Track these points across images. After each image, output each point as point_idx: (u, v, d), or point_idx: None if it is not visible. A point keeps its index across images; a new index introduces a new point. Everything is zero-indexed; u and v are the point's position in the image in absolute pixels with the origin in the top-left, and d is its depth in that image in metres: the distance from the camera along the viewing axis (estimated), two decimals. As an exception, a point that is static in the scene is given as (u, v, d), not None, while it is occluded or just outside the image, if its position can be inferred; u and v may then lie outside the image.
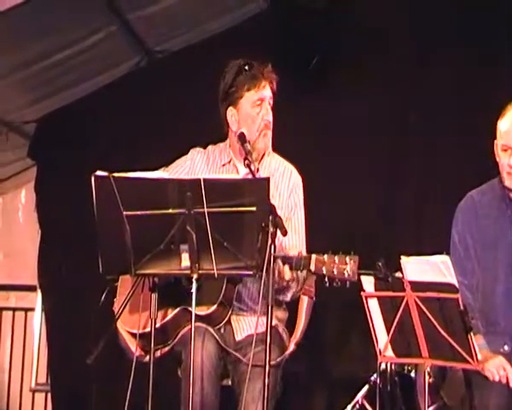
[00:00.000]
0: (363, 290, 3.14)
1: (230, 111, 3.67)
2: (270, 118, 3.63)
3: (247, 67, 3.62)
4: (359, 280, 3.18)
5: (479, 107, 5.08)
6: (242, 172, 3.63)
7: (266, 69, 3.64)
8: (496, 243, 3.63)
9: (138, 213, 3.08)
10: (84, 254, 4.86)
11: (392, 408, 4.37)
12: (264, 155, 3.69)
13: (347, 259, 3.25)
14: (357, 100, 5.55)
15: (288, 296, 3.55)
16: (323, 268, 3.27)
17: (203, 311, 3.34)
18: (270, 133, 3.64)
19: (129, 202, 3.07)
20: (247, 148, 3.46)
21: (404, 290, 3.05)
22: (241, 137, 3.52)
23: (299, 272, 3.41)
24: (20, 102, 5.85)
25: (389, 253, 3.10)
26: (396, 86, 5.56)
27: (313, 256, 3.31)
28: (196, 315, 3.14)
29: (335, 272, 3.25)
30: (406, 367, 4.35)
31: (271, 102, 3.65)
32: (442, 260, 3.00)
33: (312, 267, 3.30)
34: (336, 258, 3.26)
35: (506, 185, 3.61)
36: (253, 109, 3.62)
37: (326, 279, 3.27)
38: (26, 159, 6.29)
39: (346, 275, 3.23)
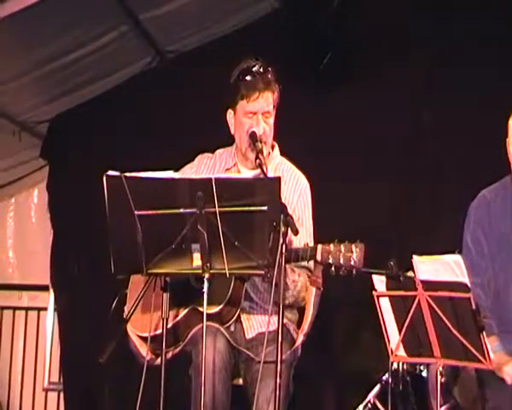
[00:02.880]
0: (375, 290, 3.14)
1: (229, 113, 3.66)
2: (262, 131, 3.53)
3: (246, 74, 3.54)
4: (371, 281, 3.17)
5: (493, 105, 5.06)
6: None
7: (265, 79, 3.54)
8: (509, 242, 3.61)
9: (150, 212, 3.09)
10: (96, 253, 4.88)
11: (405, 408, 4.36)
12: (267, 158, 3.64)
13: (353, 247, 3.27)
14: (369, 99, 5.54)
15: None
16: (330, 257, 3.28)
17: (212, 309, 3.34)
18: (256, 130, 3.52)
19: (140, 202, 3.08)
20: (259, 147, 3.45)
21: (415, 290, 3.04)
22: (253, 136, 3.51)
23: (302, 269, 3.42)
24: (33, 103, 5.88)
25: (401, 252, 3.10)
26: (408, 85, 5.54)
27: (319, 246, 3.32)
28: (206, 314, 3.15)
29: (342, 261, 3.26)
30: (418, 367, 4.34)
31: (268, 115, 3.56)
32: (454, 260, 2.99)
33: (319, 257, 3.31)
34: (342, 246, 3.27)
35: None
36: (245, 119, 3.57)
37: (333, 268, 3.27)
38: (38, 159, 6.31)
39: (353, 262, 3.24)
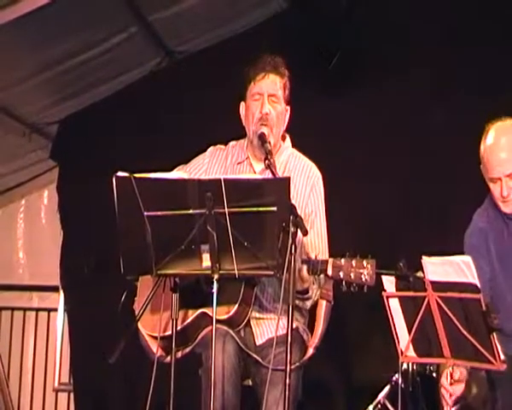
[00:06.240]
0: (385, 290, 3.12)
1: (241, 105, 3.65)
2: (267, 111, 3.50)
3: (255, 60, 3.56)
4: (380, 281, 3.15)
5: (501, 106, 5.04)
6: (258, 170, 3.62)
7: (272, 62, 3.55)
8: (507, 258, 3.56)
9: (159, 213, 3.09)
10: (105, 254, 4.88)
11: (414, 408, 4.35)
12: (278, 150, 3.65)
13: (364, 263, 3.22)
14: (378, 99, 5.53)
15: (308, 304, 3.55)
16: (341, 273, 3.24)
17: (222, 315, 3.32)
18: (266, 129, 3.52)
19: (150, 203, 3.08)
20: (268, 148, 3.44)
21: (425, 290, 3.03)
22: (262, 138, 3.50)
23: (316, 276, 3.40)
24: (43, 104, 5.89)
25: (411, 253, 3.08)
26: (418, 85, 5.53)
27: (330, 260, 3.29)
28: (216, 320, 3.14)
29: (353, 277, 3.22)
30: (428, 367, 4.33)
31: (275, 99, 3.54)
32: (463, 260, 2.98)
33: (330, 272, 3.27)
34: (354, 262, 3.23)
35: (503, 212, 3.53)
36: (252, 103, 3.55)
37: (343, 283, 3.26)
38: (48, 160, 6.33)
39: (364, 279, 3.21)
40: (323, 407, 5.38)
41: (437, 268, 2.99)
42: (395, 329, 3.14)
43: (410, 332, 3.11)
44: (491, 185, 3.50)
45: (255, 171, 3.62)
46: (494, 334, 2.97)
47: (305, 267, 3.29)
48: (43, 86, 5.60)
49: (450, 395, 3.21)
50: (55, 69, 5.43)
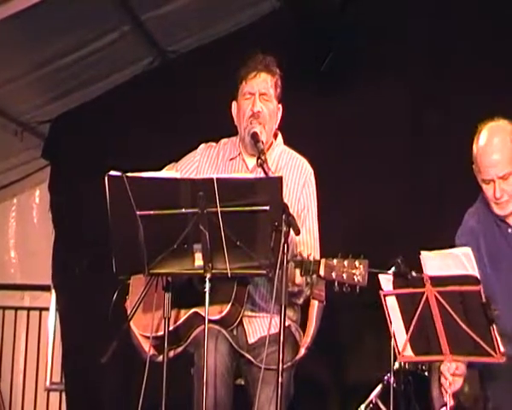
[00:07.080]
0: (382, 289, 3.11)
1: (233, 105, 3.66)
2: (258, 108, 3.52)
3: (247, 59, 3.58)
4: (372, 281, 3.15)
5: (500, 106, 5.04)
6: (251, 166, 3.62)
7: (263, 61, 3.57)
8: (502, 263, 3.56)
9: (151, 212, 3.08)
10: (97, 253, 4.88)
11: (406, 407, 4.35)
12: (270, 147, 3.65)
13: (357, 263, 3.22)
14: (372, 99, 5.53)
15: (301, 300, 3.55)
16: (333, 273, 3.24)
17: (215, 315, 3.32)
18: (258, 128, 3.54)
19: (142, 202, 3.08)
20: (260, 147, 3.44)
21: (423, 286, 3.01)
22: (254, 137, 3.50)
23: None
24: (35, 103, 5.88)
25: (407, 253, 3.08)
26: (412, 85, 5.53)
27: (322, 261, 3.28)
28: (208, 319, 3.14)
29: (345, 277, 3.22)
30: (420, 366, 4.33)
31: (266, 98, 3.55)
32: (463, 252, 2.96)
33: (322, 272, 3.27)
34: (346, 262, 3.23)
35: (496, 213, 3.52)
36: (244, 101, 3.57)
37: (336, 284, 3.26)
38: (40, 159, 6.32)
39: (356, 280, 3.21)
40: (315, 406, 5.38)
41: (436, 262, 2.97)
42: (392, 328, 3.12)
43: (407, 331, 3.08)
44: (484, 186, 3.49)
45: (248, 166, 3.63)
46: (494, 326, 2.95)
47: (297, 270, 3.29)
48: (36, 85, 5.59)
49: (450, 384, 3.19)
50: (48, 68, 5.42)
